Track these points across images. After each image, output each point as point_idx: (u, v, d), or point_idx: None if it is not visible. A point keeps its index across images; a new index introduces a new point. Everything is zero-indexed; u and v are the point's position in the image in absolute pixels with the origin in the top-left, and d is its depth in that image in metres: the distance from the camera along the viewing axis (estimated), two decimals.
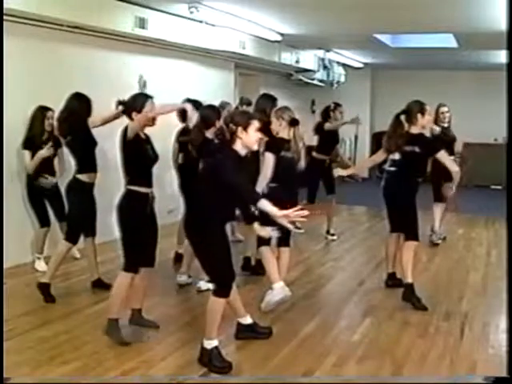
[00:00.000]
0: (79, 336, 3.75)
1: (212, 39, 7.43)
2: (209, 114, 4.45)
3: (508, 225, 5.55)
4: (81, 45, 6.00)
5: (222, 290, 3.43)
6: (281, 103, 7.71)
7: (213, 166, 3.37)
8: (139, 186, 3.80)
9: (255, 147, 3.46)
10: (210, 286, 3.93)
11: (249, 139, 3.37)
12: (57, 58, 5.80)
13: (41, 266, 5.30)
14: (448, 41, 8.34)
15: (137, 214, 3.78)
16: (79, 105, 4.59)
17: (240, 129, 3.34)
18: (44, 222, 5.33)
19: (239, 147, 3.38)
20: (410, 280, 4.64)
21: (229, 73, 9.04)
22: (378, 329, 4.23)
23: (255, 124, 3.40)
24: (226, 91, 8.73)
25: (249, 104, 6.67)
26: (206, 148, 4.05)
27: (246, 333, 3.85)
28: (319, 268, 5.91)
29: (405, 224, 4.76)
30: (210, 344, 3.45)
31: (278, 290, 4.39)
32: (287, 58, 9.53)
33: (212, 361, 3.43)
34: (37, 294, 4.48)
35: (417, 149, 4.68)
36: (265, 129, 4.97)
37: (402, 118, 4.79)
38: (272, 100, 5.41)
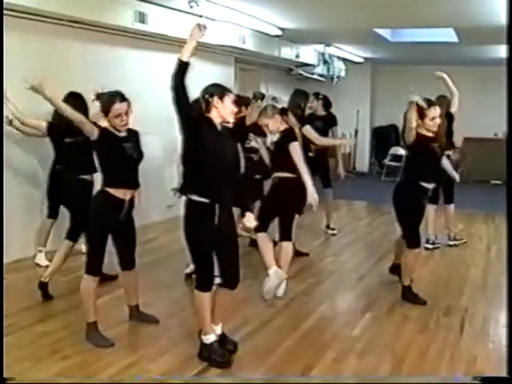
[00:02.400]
0: (79, 331, 3.74)
1: (212, 34, 7.37)
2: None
3: (508, 220, 5.53)
4: (80, 39, 5.98)
5: (203, 283, 3.39)
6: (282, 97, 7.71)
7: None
8: (114, 188, 3.65)
9: (230, 119, 3.41)
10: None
11: (224, 110, 3.34)
12: (56, 52, 5.78)
13: (41, 259, 5.30)
14: (448, 35, 8.32)
15: (106, 219, 3.66)
16: (77, 104, 4.60)
17: (215, 98, 3.32)
18: (53, 213, 5.33)
19: (214, 115, 3.33)
20: (407, 283, 4.65)
21: (229, 67, 9.01)
22: (378, 324, 4.23)
23: (231, 96, 3.39)
24: (226, 86, 8.71)
25: (262, 98, 6.74)
26: None
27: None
28: (319, 263, 5.92)
29: (405, 227, 4.64)
30: (207, 339, 3.45)
31: (272, 277, 4.47)
32: (287, 52, 9.50)
33: (211, 356, 3.43)
34: (37, 290, 4.48)
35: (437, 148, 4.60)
36: (301, 121, 5.43)
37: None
38: (305, 95, 5.90)
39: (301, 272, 5.43)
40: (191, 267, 4.91)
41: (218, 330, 3.57)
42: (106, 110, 3.64)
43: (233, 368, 3.42)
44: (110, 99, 3.64)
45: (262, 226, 4.45)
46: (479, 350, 3.76)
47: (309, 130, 5.51)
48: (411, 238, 4.59)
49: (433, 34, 8.56)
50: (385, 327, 4.17)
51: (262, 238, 4.60)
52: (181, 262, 5.74)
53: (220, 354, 3.44)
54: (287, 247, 4.65)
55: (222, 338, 3.57)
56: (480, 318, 4.35)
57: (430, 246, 6.30)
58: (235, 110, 3.43)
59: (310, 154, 5.54)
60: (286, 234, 4.62)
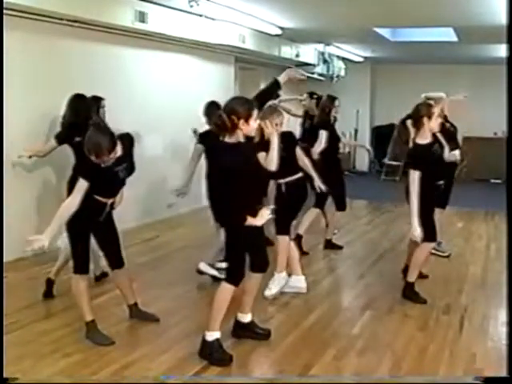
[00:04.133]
0: (80, 329, 3.75)
1: (212, 33, 7.40)
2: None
3: (508, 218, 5.55)
4: (80, 39, 5.97)
5: (234, 276, 3.47)
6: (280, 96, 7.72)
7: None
8: (101, 196, 3.65)
9: (254, 134, 3.53)
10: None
11: (249, 129, 3.40)
12: (55, 52, 5.77)
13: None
14: (448, 35, 8.33)
15: (85, 219, 3.62)
16: (84, 105, 4.67)
17: (242, 121, 3.34)
18: None
19: (240, 137, 3.39)
20: (412, 280, 4.64)
21: (229, 67, 9.02)
22: (378, 322, 4.24)
23: (255, 114, 3.41)
24: (226, 85, 8.72)
25: (277, 97, 6.98)
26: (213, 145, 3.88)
27: (243, 331, 3.79)
28: (319, 261, 5.92)
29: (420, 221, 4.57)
30: (211, 336, 3.46)
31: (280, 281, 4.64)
32: (287, 51, 9.50)
33: (213, 353, 3.44)
34: (38, 288, 4.48)
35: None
36: (321, 126, 5.89)
37: (408, 123, 4.71)
38: (332, 99, 6.12)
39: (302, 270, 5.43)
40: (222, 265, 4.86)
41: (249, 317, 3.77)
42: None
43: (233, 366, 3.42)
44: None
45: (286, 228, 4.60)
46: (478, 348, 3.76)
47: (321, 136, 5.85)
48: (426, 230, 4.53)
49: (432, 33, 8.57)
50: (385, 325, 4.18)
51: (282, 240, 4.63)
52: (182, 259, 5.78)
53: (221, 352, 3.45)
54: (284, 241, 4.64)
55: (252, 326, 3.77)
56: (479, 317, 4.35)
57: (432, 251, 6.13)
58: (258, 124, 3.52)
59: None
60: (283, 228, 4.61)
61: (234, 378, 3.35)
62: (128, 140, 3.70)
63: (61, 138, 4.96)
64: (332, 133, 6.03)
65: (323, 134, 5.91)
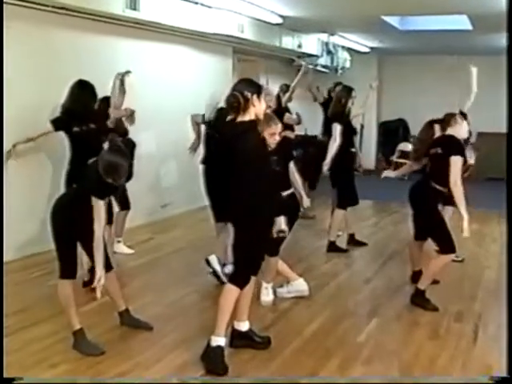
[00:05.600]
0: (69, 337, 3.75)
1: (208, 22, 7.41)
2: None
3: (508, 218, 5.58)
4: (68, 27, 5.97)
5: (241, 278, 3.51)
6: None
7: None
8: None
9: (262, 116, 3.60)
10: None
11: (260, 108, 3.51)
12: (42, 40, 5.77)
13: (120, 248, 5.79)
14: (462, 23, 8.28)
15: (75, 221, 3.69)
16: (85, 93, 4.82)
17: (255, 96, 3.46)
18: (124, 204, 5.75)
19: (250, 114, 3.46)
20: (424, 287, 4.65)
21: (226, 58, 9.03)
22: (385, 329, 4.25)
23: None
24: (223, 77, 8.72)
25: (287, 90, 7.39)
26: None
27: (241, 340, 3.80)
28: (322, 265, 5.93)
29: (433, 233, 4.68)
30: (215, 341, 3.49)
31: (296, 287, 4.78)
32: (289, 42, 9.51)
33: (211, 360, 3.47)
34: (25, 293, 4.49)
35: (439, 150, 4.63)
36: (335, 118, 6.00)
37: (437, 127, 4.78)
38: (348, 90, 6.21)
39: (303, 274, 5.40)
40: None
41: (247, 325, 3.78)
42: None
43: (231, 375, 3.43)
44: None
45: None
46: (494, 359, 3.74)
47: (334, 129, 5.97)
48: (445, 242, 4.57)
49: (445, 21, 8.54)
50: (392, 333, 4.19)
51: (275, 260, 4.65)
52: (177, 263, 5.79)
53: (220, 361, 3.47)
54: (274, 261, 4.65)
55: (251, 334, 3.79)
56: (494, 325, 4.35)
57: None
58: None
59: None
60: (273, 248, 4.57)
61: (235, 378, 3.39)
62: (130, 147, 3.75)
63: (56, 124, 4.97)
64: (347, 126, 6.05)
65: (337, 128, 5.94)
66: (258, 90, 3.51)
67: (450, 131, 4.65)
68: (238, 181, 3.48)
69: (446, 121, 4.70)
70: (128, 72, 5.15)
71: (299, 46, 9.86)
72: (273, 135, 3.85)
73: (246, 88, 3.47)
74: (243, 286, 3.54)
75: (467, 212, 4.44)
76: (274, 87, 7.43)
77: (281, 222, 3.88)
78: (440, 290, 4.95)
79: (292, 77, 10.78)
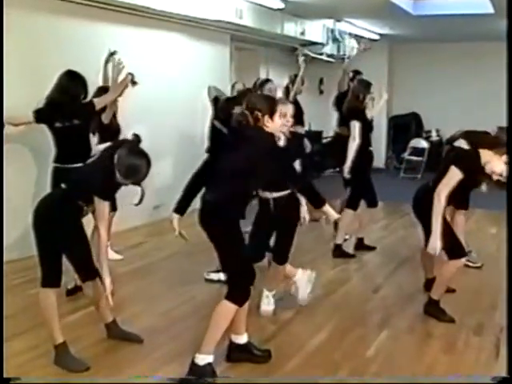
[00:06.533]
0: (50, 351, 3.73)
1: (204, 7, 7.40)
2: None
3: (508, 219, 5.54)
4: (48, 12, 5.96)
5: (240, 294, 3.47)
6: (283, 82, 7.77)
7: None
8: (82, 200, 3.78)
9: (280, 133, 3.67)
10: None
11: (274, 127, 3.54)
12: (20, 25, 5.72)
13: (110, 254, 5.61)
14: (482, 6, 8.24)
15: (61, 224, 3.70)
16: (74, 84, 4.83)
17: (266, 117, 3.48)
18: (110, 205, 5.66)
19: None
20: (437, 297, 4.64)
21: (223, 47, 9.02)
22: (396, 342, 4.23)
23: (280, 109, 3.60)
24: (220, 68, 8.72)
25: (302, 83, 7.43)
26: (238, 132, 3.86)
27: (240, 354, 3.79)
28: (328, 271, 5.92)
29: (444, 239, 4.56)
30: (203, 359, 3.46)
31: (301, 281, 4.75)
32: (291, 29, 9.51)
33: (203, 379, 3.44)
34: (4, 302, 4.46)
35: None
36: (353, 115, 5.99)
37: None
38: (367, 85, 6.21)
39: None
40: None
41: (245, 337, 3.78)
42: None
43: None
44: None
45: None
46: None
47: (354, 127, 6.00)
48: (452, 247, 4.55)
49: (463, 4, 8.50)
50: (404, 346, 4.18)
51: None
52: (170, 269, 5.78)
53: (214, 379, 3.46)
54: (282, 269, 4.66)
55: (250, 347, 3.78)
56: None
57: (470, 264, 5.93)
58: (287, 121, 3.73)
59: None
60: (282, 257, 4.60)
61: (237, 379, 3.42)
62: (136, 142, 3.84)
63: (38, 115, 4.90)
64: (365, 123, 6.05)
65: (356, 126, 5.96)
66: (271, 108, 3.51)
67: (486, 156, 4.45)
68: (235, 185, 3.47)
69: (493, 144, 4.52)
70: (114, 53, 5.34)
71: (302, 34, 9.86)
72: (284, 116, 3.84)
73: (258, 105, 3.48)
74: (242, 304, 3.51)
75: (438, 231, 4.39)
76: (275, 79, 7.38)
77: (304, 211, 4.24)
78: (456, 299, 4.94)
79: (294, 67, 10.79)
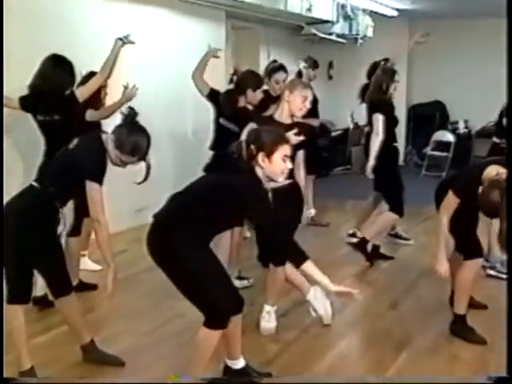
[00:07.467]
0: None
1: None
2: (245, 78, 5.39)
3: (508, 218, 5.52)
4: None
5: (217, 319, 3.44)
6: (288, 66, 7.76)
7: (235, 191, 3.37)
8: (59, 200, 3.88)
9: (279, 179, 3.45)
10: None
11: (272, 169, 3.37)
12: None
13: (84, 263, 5.77)
14: None
15: (37, 232, 3.77)
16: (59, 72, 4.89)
17: (262, 155, 3.33)
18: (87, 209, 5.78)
19: (259, 174, 3.39)
20: (462, 311, 4.63)
21: (218, 26, 9.01)
22: (417, 365, 4.23)
23: (285, 149, 3.38)
24: None
25: (316, 67, 7.58)
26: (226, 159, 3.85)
27: (237, 378, 3.78)
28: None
29: (458, 238, 4.67)
30: None
31: (316, 299, 4.72)
32: (296, 5, 9.50)
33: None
34: None
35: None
36: (376, 108, 6.08)
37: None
38: (391, 73, 6.24)
39: None
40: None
41: (241, 362, 3.74)
42: None
43: None
44: None
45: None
46: None
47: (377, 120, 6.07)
48: (467, 246, 4.58)
49: None
50: (426, 370, 4.16)
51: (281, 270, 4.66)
52: (155, 281, 5.72)
53: None
54: (281, 272, 4.64)
55: (249, 371, 3.77)
56: None
57: (492, 273, 6.04)
58: (289, 167, 3.48)
59: None
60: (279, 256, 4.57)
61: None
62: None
63: (23, 103, 5.01)
64: (389, 116, 6.07)
65: (379, 120, 5.99)
66: (272, 144, 3.34)
67: None
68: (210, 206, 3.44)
69: None
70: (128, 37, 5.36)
71: (309, 10, 9.84)
72: (305, 100, 4.07)
73: (257, 140, 3.37)
74: (224, 325, 3.46)
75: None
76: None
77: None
78: (488, 318, 4.94)
79: (300, 49, 10.79)
